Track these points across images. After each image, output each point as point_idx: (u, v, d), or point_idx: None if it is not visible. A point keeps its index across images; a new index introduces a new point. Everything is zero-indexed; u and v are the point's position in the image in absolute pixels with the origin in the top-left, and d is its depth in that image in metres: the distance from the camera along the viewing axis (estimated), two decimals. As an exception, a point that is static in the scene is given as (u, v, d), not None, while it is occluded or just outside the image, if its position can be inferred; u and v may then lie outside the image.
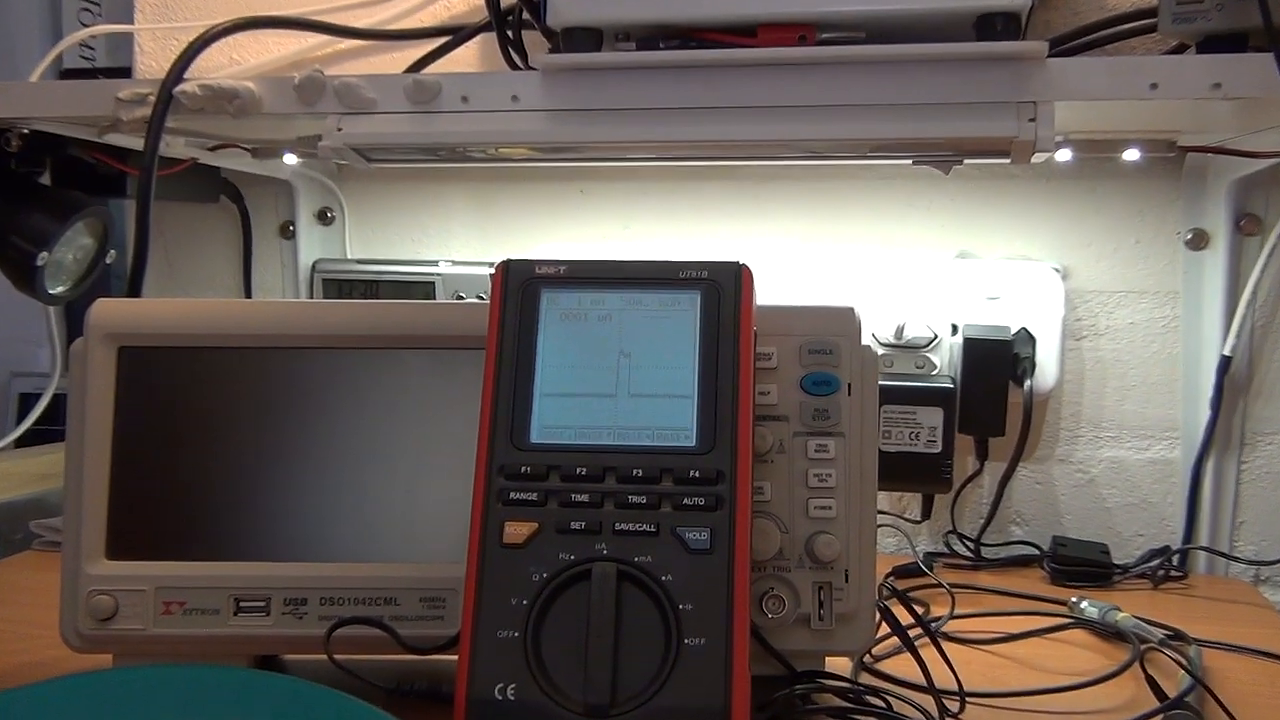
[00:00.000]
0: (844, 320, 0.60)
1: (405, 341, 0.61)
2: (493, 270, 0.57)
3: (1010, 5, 0.67)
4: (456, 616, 0.58)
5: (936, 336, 0.92)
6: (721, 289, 0.54)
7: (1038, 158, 0.73)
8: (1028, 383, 0.90)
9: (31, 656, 0.68)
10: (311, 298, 1.06)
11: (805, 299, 0.60)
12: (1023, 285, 0.93)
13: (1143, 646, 0.68)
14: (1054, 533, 0.95)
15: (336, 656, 0.57)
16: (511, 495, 0.50)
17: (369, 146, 0.77)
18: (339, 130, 0.76)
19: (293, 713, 0.48)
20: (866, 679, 0.64)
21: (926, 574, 0.86)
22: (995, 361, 0.90)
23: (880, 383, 0.74)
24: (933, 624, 0.74)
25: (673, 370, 0.53)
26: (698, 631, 0.47)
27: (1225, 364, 0.91)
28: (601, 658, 0.47)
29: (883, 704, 0.57)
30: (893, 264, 0.95)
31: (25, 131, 0.85)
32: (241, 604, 0.59)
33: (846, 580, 0.57)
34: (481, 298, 1.00)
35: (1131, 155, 0.92)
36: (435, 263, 1.03)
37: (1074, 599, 0.79)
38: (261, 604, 0.59)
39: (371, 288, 1.04)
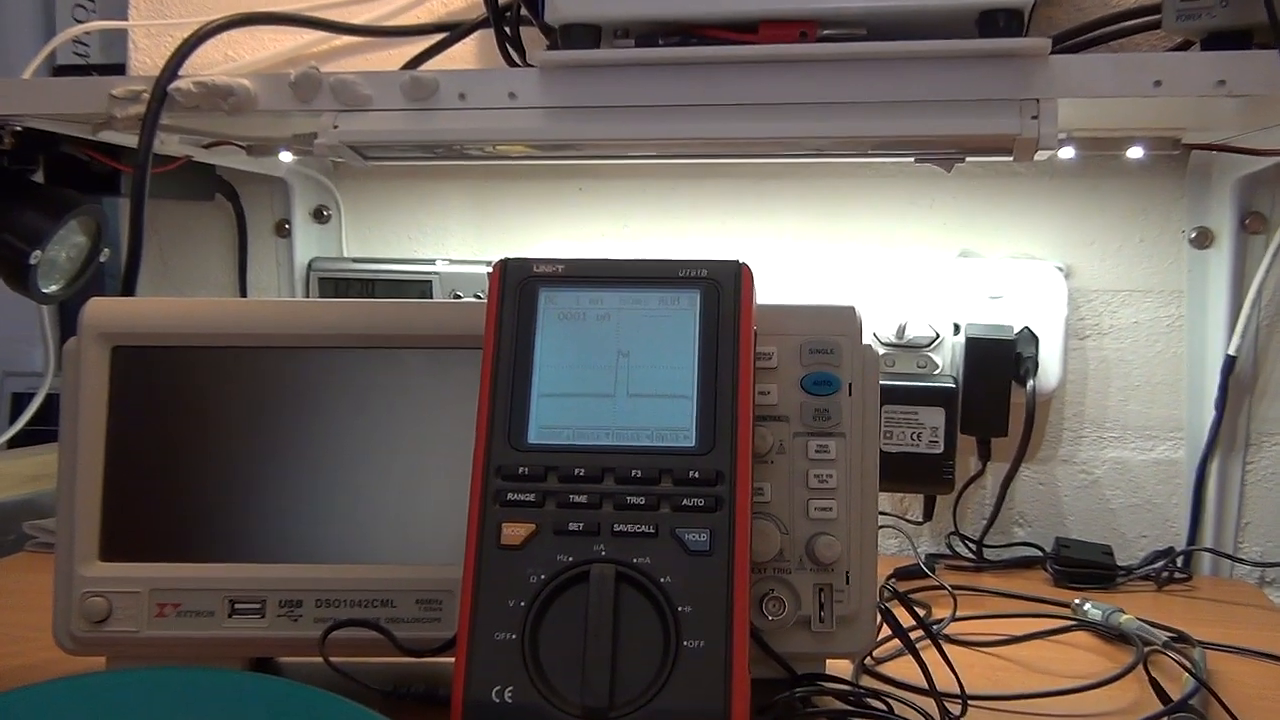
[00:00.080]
0: (845, 319, 0.59)
1: (402, 341, 0.61)
2: (490, 269, 0.56)
3: (1013, 2, 0.66)
4: (453, 618, 0.58)
5: (938, 336, 0.92)
6: (721, 288, 0.54)
7: (1041, 155, 0.73)
8: (1030, 383, 0.89)
9: (24, 659, 0.67)
10: (307, 297, 1.05)
11: (806, 298, 0.60)
12: (1025, 284, 0.92)
13: (1146, 649, 0.68)
14: (1057, 534, 0.94)
15: (332, 659, 0.57)
16: (509, 496, 0.50)
17: (365, 144, 0.77)
18: (335, 128, 0.76)
19: (288, 716, 0.48)
20: (867, 682, 0.63)
21: (928, 575, 0.85)
22: (998, 361, 0.89)
23: (881, 382, 0.73)
24: (934, 626, 0.74)
25: (672, 370, 0.53)
26: (697, 634, 0.47)
27: (1230, 364, 0.90)
28: (600, 660, 0.47)
29: (884, 707, 0.57)
30: (894, 262, 0.95)
31: (18, 129, 0.85)
32: (236, 606, 0.58)
33: (847, 582, 0.57)
34: (479, 297, 1.00)
35: (1135, 153, 0.91)
36: (432, 261, 1.03)
37: (1077, 601, 0.78)
38: (257, 606, 0.58)
39: (368, 287, 1.03)
